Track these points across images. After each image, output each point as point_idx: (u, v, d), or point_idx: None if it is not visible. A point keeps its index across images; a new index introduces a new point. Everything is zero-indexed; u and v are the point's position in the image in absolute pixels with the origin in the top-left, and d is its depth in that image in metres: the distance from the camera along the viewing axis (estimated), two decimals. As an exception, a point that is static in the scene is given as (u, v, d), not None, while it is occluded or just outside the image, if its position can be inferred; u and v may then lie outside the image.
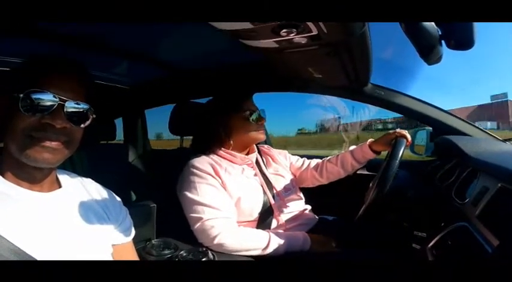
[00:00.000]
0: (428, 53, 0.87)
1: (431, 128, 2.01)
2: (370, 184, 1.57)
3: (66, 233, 0.94)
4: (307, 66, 1.51)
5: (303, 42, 1.12)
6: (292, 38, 1.08)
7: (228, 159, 1.77)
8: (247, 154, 1.88)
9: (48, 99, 0.88)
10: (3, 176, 0.92)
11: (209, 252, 1.43)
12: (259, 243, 1.56)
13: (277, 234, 1.62)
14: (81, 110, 0.94)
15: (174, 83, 2.50)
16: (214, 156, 1.76)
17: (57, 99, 0.89)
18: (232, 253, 1.54)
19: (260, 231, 1.64)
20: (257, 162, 1.90)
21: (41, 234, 0.88)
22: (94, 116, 0.98)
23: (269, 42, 1.15)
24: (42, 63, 0.95)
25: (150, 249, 1.46)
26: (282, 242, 1.58)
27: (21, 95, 0.87)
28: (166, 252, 1.46)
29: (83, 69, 1.00)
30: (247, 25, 0.98)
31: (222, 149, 1.79)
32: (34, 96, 0.87)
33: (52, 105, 0.88)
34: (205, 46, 1.89)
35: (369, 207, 1.50)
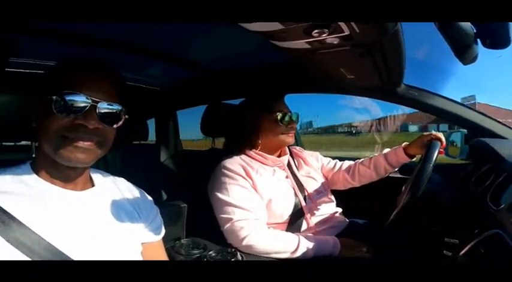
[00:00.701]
0: (464, 53, 0.85)
1: (465, 130, 1.94)
2: (403, 188, 1.53)
3: (98, 230, 0.96)
4: (339, 67, 1.49)
5: (335, 42, 1.11)
6: (324, 39, 1.07)
7: (259, 161, 1.77)
8: (279, 156, 1.87)
9: (81, 100, 0.89)
10: (37, 175, 0.95)
11: (238, 253, 1.43)
12: (288, 246, 1.55)
13: (307, 238, 1.60)
14: (114, 110, 0.95)
15: (206, 84, 2.51)
16: (246, 158, 1.76)
17: (90, 101, 0.90)
18: (261, 255, 1.53)
19: (289, 234, 1.63)
20: (289, 164, 1.88)
21: (74, 232, 0.90)
22: (126, 116, 0.99)
23: (301, 43, 1.14)
24: (74, 66, 0.96)
25: (179, 248, 1.48)
26: (311, 245, 1.56)
27: (55, 97, 0.89)
28: (195, 251, 1.47)
29: (115, 71, 1.01)
30: (278, 26, 0.98)
31: (254, 150, 1.78)
32: (67, 97, 0.88)
33: (85, 107, 0.89)
34: (237, 47, 1.89)
35: (400, 211, 1.47)
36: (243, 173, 1.65)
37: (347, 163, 2.05)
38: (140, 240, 1.10)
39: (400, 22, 1.11)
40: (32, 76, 2.03)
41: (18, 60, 1.99)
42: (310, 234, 1.68)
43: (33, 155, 1.05)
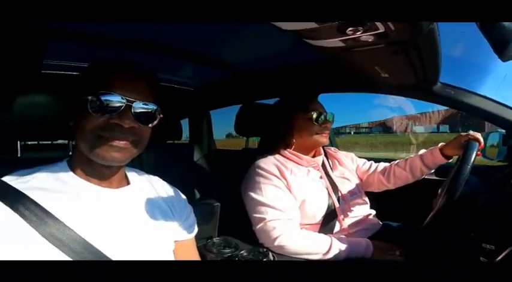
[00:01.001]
0: (503, 49, 0.82)
1: (504, 131, 1.86)
2: (439, 190, 1.48)
3: (132, 228, 0.98)
4: (374, 65, 1.46)
5: (369, 40, 1.08)
6: (359, 37, 1.05)
7: (294, 161, 1.75)
8: (314, 156, 1.85)
9: (116, 100, 0.91)
10: (74, 172, 0.98)
11: (270, 253, 1.43)
12: (320, 247, 1.53)
13: (340, 239, 1.57)
14: (149, 110, 0.97)
15: (239, 84, 2.52)
16: (280, 158, 1.75)
17: (125, 100, 0.92)
18: (293, 256, 1.52)
19: (322, 235, 1.61)
20: (323, 164, 1.86)
21: (108, 229, 0.93)
22: (161, 115, 1.01)
23: (335, 42, 1.12)
24: (110, 66, 0.98)
25: (210, 247, 1.49)
26: (343, 247, 1.54)
27: (90, 97, 0.90)
28: (227, 250, 1.47)
29: (149, 71, 1.02)
30: (311, 25, 0.96)
31: (288, 150, 1.77)
32: (103, 97, 0.90)
33: (120, 106, 0.91)
34: (270, 46, 1.88)
35: (436, 214, 1.42)
36: (277, 173, 1.64)
37: (382, 165, 2.01)
38: (173, 238, 1.12)
39: (437, 22, 1.09)
40: (68, 77, 2.09)
41: (53, 62, 2.05)
42: (343, 236, 1.66)
43: (70, 153, 1.08)
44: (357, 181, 1.94)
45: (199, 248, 1.29)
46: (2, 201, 0.84)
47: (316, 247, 1.53)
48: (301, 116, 1.76)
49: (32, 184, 0.91)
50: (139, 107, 0.94)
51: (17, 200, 0.84)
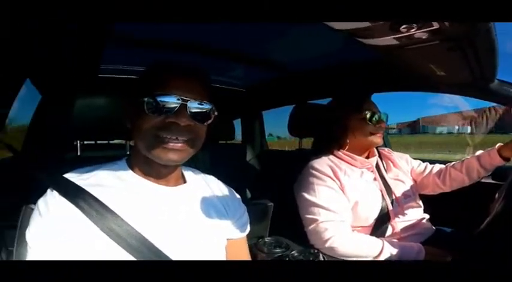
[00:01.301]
0: None
1: None
2: (497, 195, 1.42)
3: (187, 224, 1.01)
4: (429, 62, 1.42)
5: (423, 37, 1.06)
6: (413, 34, 1.03)
7: (347, 162, 1.73)
8: (367, 157, 1.81)
9: (171, 100, 0.94)
10: (132, 170, 1.03)
11: (320, 254, 1.42)
12: (371, 250, 1.51)
13: (391, 243, 1.55)
14: (203, 108, 0.99)
15: (291, 84, 2.52)
16: (334, 158, 1.73)
17: (180, 100, 0.94)
18: (343, 258, 1.51)
19: (374, 238, 1.58)
20: (377, 166, 1.81)
21: (164, 224, 0.97)
22: (216, 113, 1.03)
23: (388, 40, 1.11)
24: (164, 68, 1.02)
25: (261, 246, 1.50)
26: (395, 251, 1.51)
27: (147, 99, 0.94)
28: (278, 250, 1.48)
29: (202, 71, 1.05)
30: (364, 23, 0.96)
31: (342, 150, 1.75)
32: (158, 98, 0.94)
33: (175, 106, 0.94)
34: (322, 46, 1.87)
35: (493, 220, 1.36)
36: (331, 174, 1.63)
37: (438, 166, 1.93)
38: (226, 236, 1.14)
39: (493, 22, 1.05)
40: (124, 81, 2.18)
41: (109, 67, 2.14)
42: (395, 240, 1.62)
43: (127, 152, 1.12)
44: (412, 183, 1.87)
45: (250, 247, 1.30)
46: (64, 197, 0.89)
47: (367, 250, 1.52)
48: (356, 115, 1.72)
49: (92, 181, 0.96)
50: (194, 106, 0.96)
51: (78, 196, 0.89)
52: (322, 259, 1.41)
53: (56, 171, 0.98)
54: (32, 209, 0.93)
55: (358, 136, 1.73)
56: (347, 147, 1.75)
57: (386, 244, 1.52)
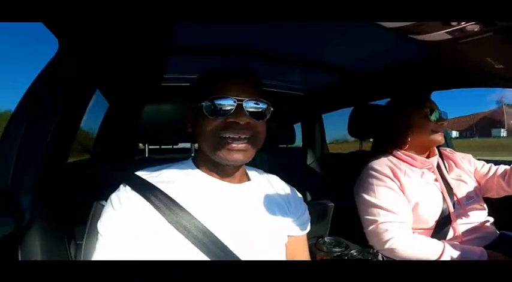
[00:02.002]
0: None
1: None
2: None
3: (251, 219, 1.07)
4: (485, 56, 1.36)
5: (476, 29, 1.04)
6: (464, 26, 1.01)
7: (407, 162, 1.71)
8: (428, 157, 1.77)
9: (228, 103, 1.00)
10: (199, 169, 1.11)
11: (379, 254, 1.41)
12: (432, 253, 1.48)
13: (453, 246, 1.50)
14: (259, 107, 1.05)
15: (350, 86, 2.51)
16: (394, 159, 1.71)
17: (236, 101, 1.00)
18: (403, 260, 1.48)
19: (435, 240, 1.54)
20: (438, 166, 1.76)
21: (229, 219, 1.03)
22: (272, 109, 1.08)
23: (440, 35, 1.10)
24: (217, 74, 1.09)
25: (321, 245, 1.51)
26: (456, 255, 1.46)
27: (205, 103, 1.01)
28: (337, 249, 1.49)
29: (251, 73, 1.12)
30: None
31: (402, 151, 1.73)
32: (216, 102, 1.00)
33: (232, 107, 1.00)
34: (376, 46, 1.85)
35: None
36: (391, 175, 1.62)
37: (502, 167, 1.80)
38: (287, 233, 1.18)
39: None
40: (183, 88, 2.28)
41: (170, 76, 2.24)
42: (456, 243, 1.56)
43: (192, 154, 1.21)
44: (475, 184, 1.79)
45: (310, 246, 1.32)
46: (136, 192, 0.97)
47: (427, 253, 1.48)
48: (417, 112, 1.71)
49: (161, 178, 1.04)
50: (249, 105, 1.02)
51: (149, 191, 0.97)
52: (381, 259, 1.40)
53: (128, 169, 1.06)
54: (103, 205, 1.02)
55: (419, 134, 1.71)
56: (407, 146, 1.73)
57: (448, 247, 1.48)
